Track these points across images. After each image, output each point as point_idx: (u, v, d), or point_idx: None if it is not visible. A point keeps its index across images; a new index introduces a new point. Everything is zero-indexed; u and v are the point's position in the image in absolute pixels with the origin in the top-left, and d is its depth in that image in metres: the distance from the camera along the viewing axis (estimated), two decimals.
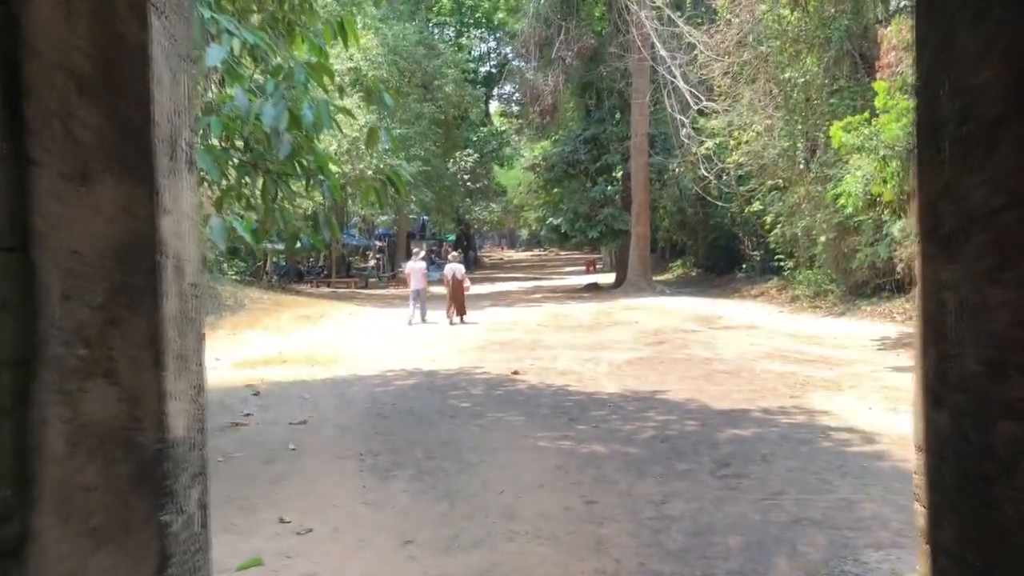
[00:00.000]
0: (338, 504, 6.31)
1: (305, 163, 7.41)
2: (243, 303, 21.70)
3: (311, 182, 7.54)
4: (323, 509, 6.19)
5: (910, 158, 12.45)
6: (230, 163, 7.13)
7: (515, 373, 12.54)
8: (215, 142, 6.78)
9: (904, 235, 17.59)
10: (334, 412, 9.95)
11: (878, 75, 12.64)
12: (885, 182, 12.51)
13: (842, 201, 14.68)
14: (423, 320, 20.85)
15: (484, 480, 6.90)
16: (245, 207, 7.62)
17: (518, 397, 10.65)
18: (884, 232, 18.84)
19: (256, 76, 7.02)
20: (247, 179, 6.87)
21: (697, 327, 18.41)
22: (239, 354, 15.22)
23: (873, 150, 12.26)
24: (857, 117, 13.03)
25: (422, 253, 23.53)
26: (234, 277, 27.16)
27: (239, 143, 7.29)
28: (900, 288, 19.20)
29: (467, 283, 21.45)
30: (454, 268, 21.39)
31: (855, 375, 11.66)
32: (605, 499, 6.30)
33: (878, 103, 12.80)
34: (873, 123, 12.52)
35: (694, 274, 36.75)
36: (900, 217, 14.81)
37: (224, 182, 7.36)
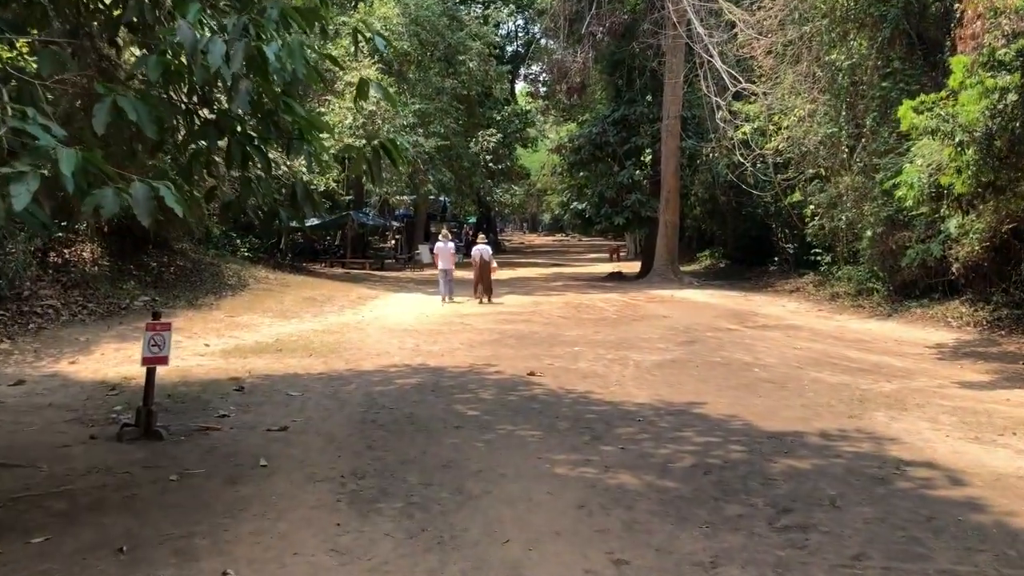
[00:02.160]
0: (301, 552, 5.01)
1: (282, 124, 6.11)
2: (247, 283, 20.46)
3: (293, 147, 6.17)
4: (280, 558, 4.89)
5: (992, 144, 11.03)
6: (182, 119, 5.83)
7: (531, 374, 11.20)
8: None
9: (962, 232, 16.08)
10: (322, 416, 8.66)
11: (959, 48, 11.14)
12: (959, 172, 11.01)
13: (900, 193, 13.17)
14: (451, 299, 21.53)
15: (487, 521, 5.58)
16: (204, 174, 6.32)
17: (533, 405, 9.32)
18: (938, 228, 17.32)
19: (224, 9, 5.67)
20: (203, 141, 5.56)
21: (732, 325, 16.98)
22: (232, 340, 14.00)
23: (948, 134, 10.78)
24: (932, 95, 11.52)
25: (443, 234, 24.03)
26: (246, 255, 25.96)
27: (205, 93, 6.02)
28: (954, 290, 17.66)
29: (494, 264, 22.34)
30: (482, 250, 22.19)
31: (919, 391, 10.22)
32: (638, 559, 4.96)
33: (953, 82, 11.28)
34: (951, 103, 11.02)
35: (723, 266, 35.17)
36: (967, 212, 13.27)
37: (190, 144, 6.07)
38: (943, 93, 11.51)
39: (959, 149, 10.84)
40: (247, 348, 13.14)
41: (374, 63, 26.69)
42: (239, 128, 5.86)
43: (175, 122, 5.88)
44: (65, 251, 17.43)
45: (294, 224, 31.93)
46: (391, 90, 26.68)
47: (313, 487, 6.27)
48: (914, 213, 16.54)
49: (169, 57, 4.85)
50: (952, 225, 15.95)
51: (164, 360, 7.88)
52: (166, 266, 19.47)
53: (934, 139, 11.16)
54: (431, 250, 37.20)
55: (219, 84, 5.41)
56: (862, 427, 8.36)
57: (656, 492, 6.21)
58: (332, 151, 9.07)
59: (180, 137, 5.91)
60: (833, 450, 7.49)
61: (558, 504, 5.93)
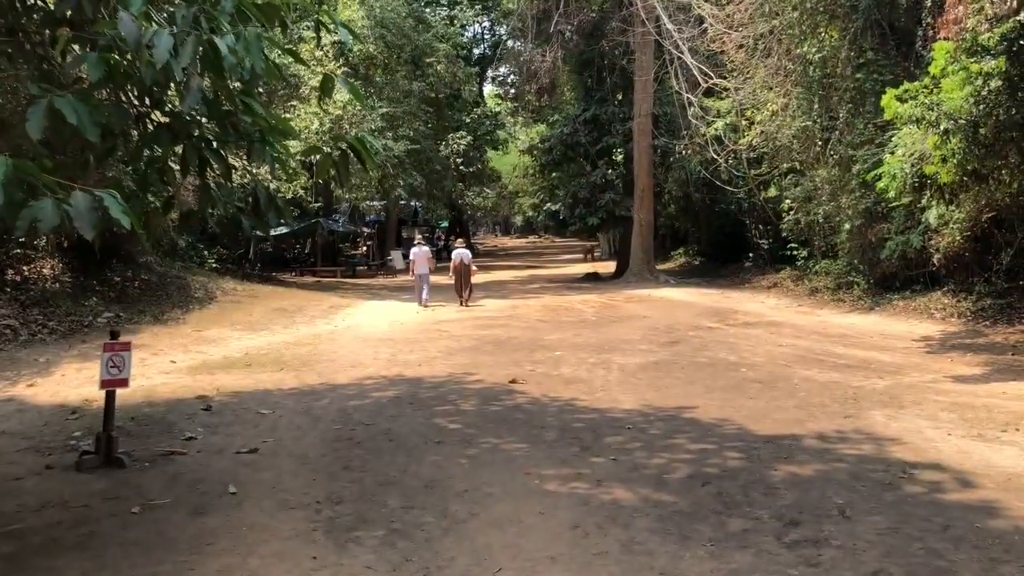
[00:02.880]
0: None
1: (242, 126, 5.66)
2: (214, 295, 19.88)
3: (254, 151, 5.70)
4: None
5: (977, 132, 10.80)
6: (134, 124, 5.38)
7: (513, 382, 10.79)
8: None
9: (942, 223, 15.89)
10: (294, 436, 8.19)
11: (940, 34, 10.90)
12: (944, 161, 10.74)
13: (882, 184, 12.92)
14: (428, 305, 21.34)
15: (476, 548, 5.16)
16: (158, 181, 5.85)
17: (517, 415, 8.91)
18: (917, 219, 17.13)
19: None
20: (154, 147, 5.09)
21: (713, 324, 16.67)
22: (200, 355, 13.45)
23: (932, 123, 10.52)
24: (916, 84, 11.26)
25: (419, 239, 24.85)
26: (214, 266, 25.34)
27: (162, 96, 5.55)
28: (935, 281, 17.48)
29: (474, 268, 23.01)
30: (462, 254, 22.57)
31: (912, 387, 9.94)
32: None
33: (934, 68, 11.02)
34: (935, 91, 10.75)
35: (697, 263, 34.99)
36: (950, 202, 13.04)
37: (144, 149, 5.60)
38: (925, 80, 11.26)
39: (944, 137, 10.58)
40: (215, 364, 12.62)
41: (339, 66, 26.12)
42: (195, 131, 5.42)
43: (128, 127, 5.45)
44: (24, 268, 16.81)
45: (261, 233, 31.43)
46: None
47: (286, 515, 5.83)
48: (894, 204, 16.35)
49: (115, 56, 4.39)
50: (932, 216, 15.75)
51: (124, 383, 7.39)
52: (130, 280, 18.86)
53: (919, 127, 10.90)
54: (404, 256, 36.78)
55: (172, 84, 4.97)
56: (860, 427, 8.04)
57: (653, 507, 5.83)
58: (297, 155, 8.48)
59: (134, 143, 5.45)
60: (834, 453, 7.16)
61: (551, 525, 5.53)
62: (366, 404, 9.65)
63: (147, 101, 5.47)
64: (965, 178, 10.93)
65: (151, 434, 8.33)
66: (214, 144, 5.58)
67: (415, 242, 24.33)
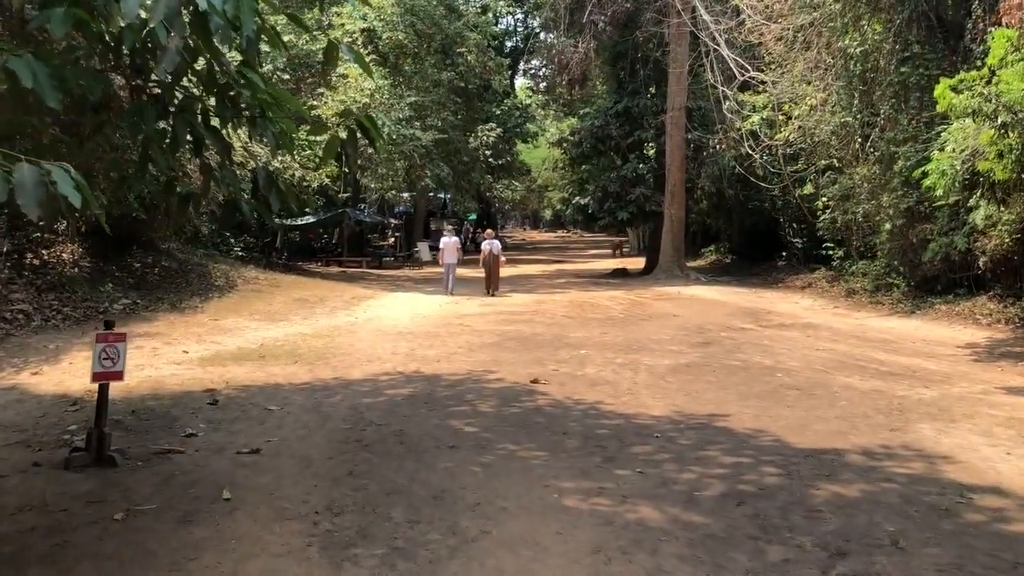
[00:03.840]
0: None
1: (239, 101, 5.17)
2: (235, 283, 19.53)
3: (256, 126, 5.20)
4: None
5: None
6: (116, 93, 4.90)
7: (535, 382, 10.26)
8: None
9: (989, 224, 15.12)
10: (300, 435, 7.72)
11: (1003, 21, 10.14)
12: (1001, 156, 10.05)
13: (928, 181, 12.22)
14: (453, 293, 22.33)
15: (485, 573, 4.64)
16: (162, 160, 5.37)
17: (538, 419, 8.38)
18: (962, 220, 16.37)
19: None
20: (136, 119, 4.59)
21: (746, 324, 16.03)
22: (214, 346, 13.06)
23: (990, 115, 9.82)
24: (973, 73, 10.57)
25: (449, 229, 26.28)
26: (240, 254, 25.05)
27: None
28: (979, 285, 16.70)
29: (503, 259, 23.64)
30: (492, 244, 23.19)
31: (962, 398, 9.28)
32: None
33: (992, 58, 10.31)
34: (992, 82, 10.05)
35: (728, 261, 34.28)
36: (1003, 202, 12.30)
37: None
38: (982, 72, 10.55)
39: (1001, 131, 9.88)
40: (228, 355, 12.20)
41: (367, 53, 25.67)
42: (186, 103, 4.93)
43: (111, 97, 4.97)
44: (44, 252, 16.52)
45: (289, 222, 31.10)
46: (384, 82, 25.77)
47: (281, 527, 5.34)
48: (938, 204, 15.62)
49: (83, 13, 3.90)
50: (979, 216, 14.98)
51: (119, 376, 6.95)
52: (150, 267, 18.57)
53: (975, 121, 10.20)
54: (431, 247, 36.39)
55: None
56: (908, 443, 7.42)
57: (683, 530, 5.28)
58: (302, 134, 7.85)
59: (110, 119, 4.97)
60: (881, 472, 6.55)
61: (569, 548, 4.99)
62: (379, 402, 9.16)
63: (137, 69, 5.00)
64: (1023, 175, 10.22)
65: (151, 429, 7.90)
66: (211, 119, 5.12)
67: (444, 232, 25.25)
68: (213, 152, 5.46)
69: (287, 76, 23.22)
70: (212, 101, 5.09)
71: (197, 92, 5.28)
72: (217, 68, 4.89)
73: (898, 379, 10.44)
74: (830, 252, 23.62)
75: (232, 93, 5.08)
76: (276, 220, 29.77)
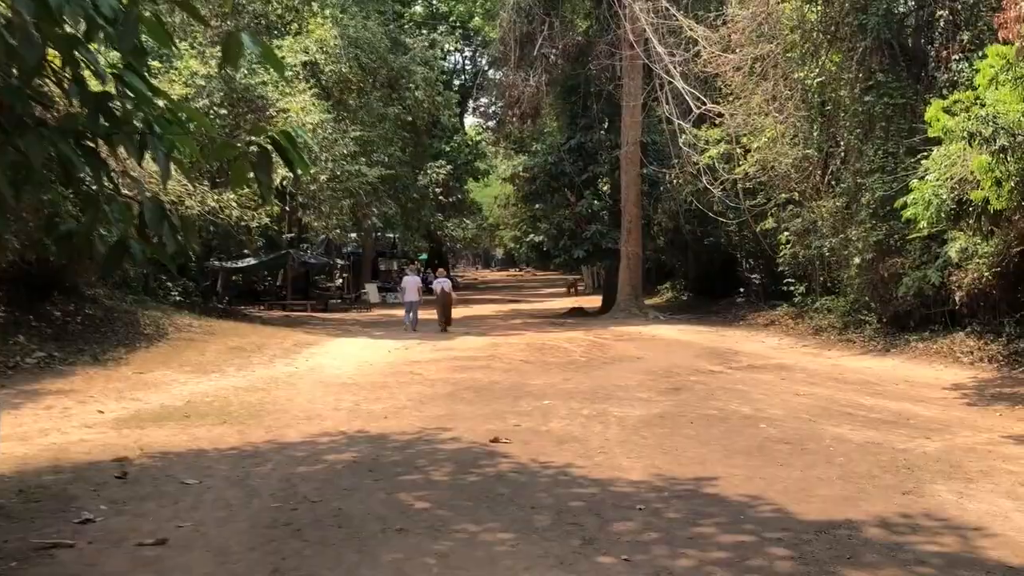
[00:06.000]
0: None
1: (117, 112, 4.05)
2: (166, 332, 18.09)
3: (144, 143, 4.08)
4: None
5: None
6: None
7: (495, 440, 9.12)
8: None
9: (964, 256, 14.45)
10: (219, 518, 6.47)
11: (1000, 35, 9.42)
12: (999, 184, 9.28)
13: (909, 213, 11.46)
14: (414, 329, 23.75)
15: None
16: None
17: (501, 489, 7.23)
18: (934, 253, 15.72)
19: None
20: None
21: (714, 367, 15.11)
22: (134, 404, 11.70)
23: (987, 139, 9.07)
24: (968, 93, 9.85)
25: (411, 269, 28.56)
26: (177, 299, 23.55)
27: None
28: (955, 321, 16.00)
29: (453, 295, 25.51)
30: (443, 283, 24.94)
31: (971, 451, 8.37)
32: None
33: (980, 79, 9.60)
34: (987, 103, 9.30)
35: (685, 298, 33.58)
36: (991, 233, 11.56)
37: None
38: (969, 93, 9.82)
39: (1000, 156, 9.11)
40: (148, 415, 10.86)
41: (310, 87, 24.59)
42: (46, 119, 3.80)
43: None
44: None
45: (230, 264, 29.65)
46: (327, 116, 24.62)
47: None
48: (911, 236, 14.95)
49: None
50: (954, 249, 14.32)
51: None
52: (72, 315, 17.05)
53: (971, 145, 9.43)
54: (380, 288, 35.26)
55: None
56: (929, 510, 6.43)
57: None
58: (190, 155, 6.15)
59: None
60: (909, 551, 5.54)
61: None
62: (316, 471, 7.94)
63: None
64: (1022, 202, 9.47)
65: (39, 515, 6.58)
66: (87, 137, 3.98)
67: (407, 272, 27.38)
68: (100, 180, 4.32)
69: (224, 111, 21.99)
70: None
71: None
72: (86, 69, 3.79)
73: (892, 428, 9.52)
74: (791, 288, 22.96)
75: (107, 103, 3.98)
76: (216, 263, 28.42)
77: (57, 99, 4.12)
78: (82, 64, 3.81)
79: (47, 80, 3.86)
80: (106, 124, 4.00)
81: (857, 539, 5.80)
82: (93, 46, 3.72)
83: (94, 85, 4.21)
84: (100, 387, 12.80)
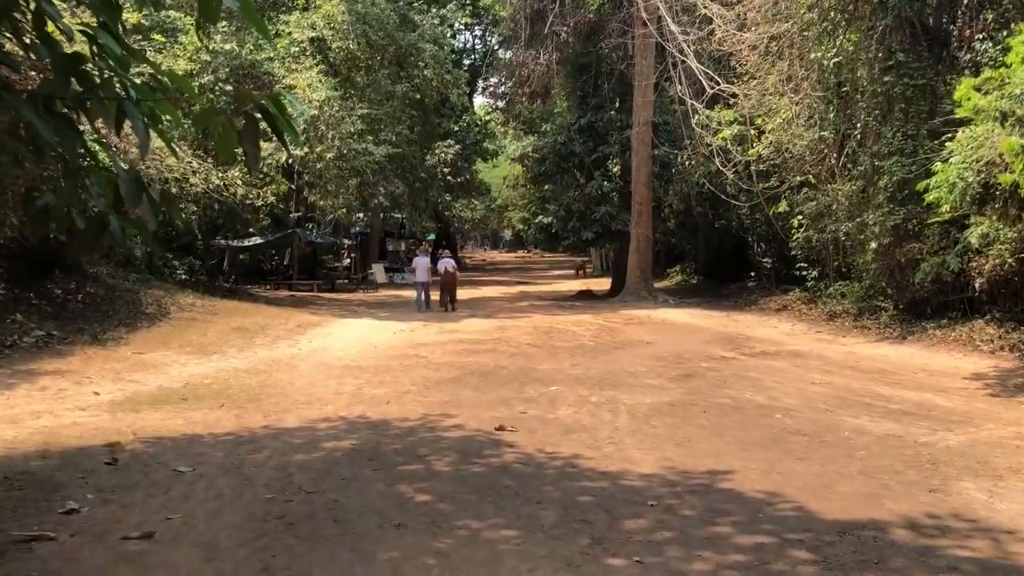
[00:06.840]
0: None
1: (96, 77, 3.72)
2: (168, 311, 17.81)
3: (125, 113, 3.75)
4: None
5: None
6: None
7: (500, 429, 8.80)
8: None
9: (986, 242, 14.02)
10: (210, 510, 6.17)
11: None
12: None
13: (933, 196, 11.06)
14: (427, 307, 24.61)
15: None
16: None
17: (506, 481, 6.91)
18: (954, 238, 15.28)
19: None
20: None
21: (727, 352, 14.75)
22: (131, 385, 11.43)
23: (1021, 120, 8.66)
24: (1001, 71, 9.43)
25: (422, 249, 28.15)
26: (183, 277, 23.28)
27: None
28: (974, 308, 15.59)
29: (457, 274, 26.02)
30: (446, 263, 25.42)
31: (997, 445, 8.01)
32: None
33: (1011, 58, 9.17)
34: (1020, 81, 8.87)
35: (695, 282, 33.16)
36: (1018, 218, 11.15)
37: None
38: (1003, 70, 9.39)
39: None
40: (145, 397, 10.58)
41: (317, 63, 24.19)
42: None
43: None
44: None
45: (236, 243, 29.27)
46: (334, 93, 24.19)
47: None
48: (930, 221, 14.54)
49: None
50: (975, 235, 13.88)
51: None
52: (73, 293, 16.80)
53: (1003, 125, 9.02)
54: (386, 269, 34.95)
55: None
56: (958, 509, 6.09)
57: None
58: (174, 124, 5.74)
59: None
60: (940, 556, 5.20)
61: None
62: (314, 459, 7.64)
63: None
64: None
65: (21, 504, 6.30)
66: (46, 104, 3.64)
67: (418, 252, 27.63)
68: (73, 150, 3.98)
69: (230, 87, 21.60)
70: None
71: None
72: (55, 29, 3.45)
73: (913, 419, 9.16)
74: (804, 273, 22.52)
75: (81, 68, 3.65)
76: (222, 241, 28.05)
77: (21, 60, 3.78)
78: (47, 22, 3.49)
79: (7, 37, 3.51)
80: (78, 89, 3.69)
81: (883, 541, 5.46)
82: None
83: (66, 47, 3.87)
84: (98, 368, 12.54)
